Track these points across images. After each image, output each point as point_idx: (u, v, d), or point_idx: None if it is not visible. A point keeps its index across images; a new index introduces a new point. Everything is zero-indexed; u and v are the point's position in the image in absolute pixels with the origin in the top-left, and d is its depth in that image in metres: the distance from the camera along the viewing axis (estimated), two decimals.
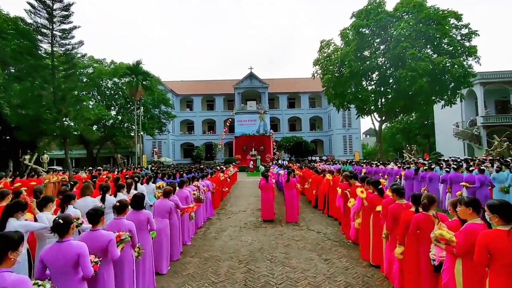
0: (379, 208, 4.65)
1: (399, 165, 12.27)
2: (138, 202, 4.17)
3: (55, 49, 13.22)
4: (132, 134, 28.65)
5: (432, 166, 9.50)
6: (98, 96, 30.41)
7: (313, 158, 39.51)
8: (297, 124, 45.51)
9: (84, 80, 27.21)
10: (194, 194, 7.10)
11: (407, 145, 31.24)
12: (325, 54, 20.53)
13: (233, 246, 6.31)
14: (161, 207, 5.01)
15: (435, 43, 15.97)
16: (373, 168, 14.13)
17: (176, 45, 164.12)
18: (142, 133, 33.71)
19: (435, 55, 15.86)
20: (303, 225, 7.97)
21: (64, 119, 12.68)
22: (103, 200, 5.24)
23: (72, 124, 13.61)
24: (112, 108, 31.67)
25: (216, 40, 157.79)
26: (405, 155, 28.59)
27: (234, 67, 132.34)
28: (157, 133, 33.47)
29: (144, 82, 22.82)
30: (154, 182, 8.11)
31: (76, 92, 14.00)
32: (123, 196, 5.87)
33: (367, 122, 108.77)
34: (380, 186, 4.83)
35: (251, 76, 41.05)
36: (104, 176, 9.14)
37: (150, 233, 4.22)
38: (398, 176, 11.75)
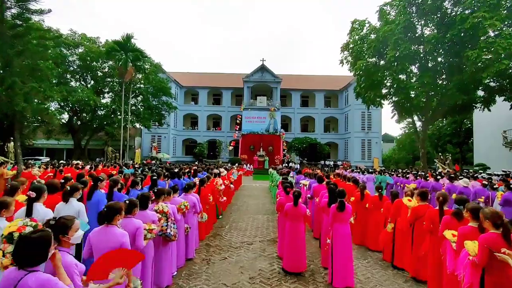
0: None
1: (485, 182, 8.30)
2: None
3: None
4: (128, 126, 25.16)
5: None
6: (92, 81, 27.04)
7: (327, 162, 35.63)
8: (310, 124, 41.57)
9: (74, 60, 24.15)
10: (147, 230, 3.38)
11: (440, 154, 27.11)
12: (357, 37, 16.65)
13: None
14: None
15: None
16: (430, 182, 10.17)
17: (183, 36, 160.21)
18: (138, 125, 30.34)
19: None
20: None
21: (8, 93, 9.13)
22: None
23: (25, 103, 10.10)
24: (107, 95, 28.30)
25: (226, 34, 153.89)
26: (437, 165, 24.52)
27: (244, 63, 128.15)
28: (156, 126, 29.94)
29: (137, 63, 19.21)
30: (90, 199, 4.45)
31: (35, 61, 10.49)
32: None
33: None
34: None
35: (262, 68, 37.24)
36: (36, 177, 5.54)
37: None
38: (481, 199, 7.83)
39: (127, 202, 3.24)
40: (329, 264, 4.62)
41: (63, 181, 5.55)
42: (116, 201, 3.06)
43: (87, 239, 2.81)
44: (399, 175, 12.77)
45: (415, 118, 17.07)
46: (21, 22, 9.83)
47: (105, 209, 2.81)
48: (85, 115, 24.79)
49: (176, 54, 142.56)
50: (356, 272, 4.93)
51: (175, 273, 4.66)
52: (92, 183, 4.68)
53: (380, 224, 6.11)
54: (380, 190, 6.31)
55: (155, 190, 4.28)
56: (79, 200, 4.53)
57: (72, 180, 5.89)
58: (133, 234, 3.15)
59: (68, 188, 3.86)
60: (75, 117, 24.34)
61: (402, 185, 11.46)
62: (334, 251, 4.47)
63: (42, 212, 3.40)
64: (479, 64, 11.29)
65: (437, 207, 4.31)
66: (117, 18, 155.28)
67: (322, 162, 35.11)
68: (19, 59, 9.47)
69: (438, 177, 10.18)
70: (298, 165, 30.81)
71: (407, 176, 12.09)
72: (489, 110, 15.24)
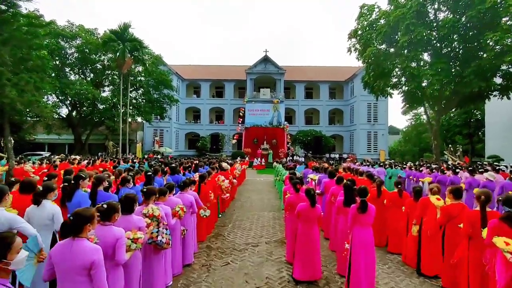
0: None
1: None
2: None
3: None
4: (129, 120, 24.62)
5: None
6: (91, 74, 26.40)
7: (332, 155, 34.91)
8: (315, 116, 40.76)
9: (72, 53, 23.52)
10: (131, 240, 2.78)
11: (450, 146, 26.23)
12: (366, 23, 15.73)
13: None
14: None
15: None
16: (447, 176, 9.45)
17: (183, 36, 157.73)
18: (140, 119, 29.81)
19: None
20: None
21: None
22: None
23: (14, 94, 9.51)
24: (107, 89, 27.70)
25: (226, 34, 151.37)
26: (447, 157, 23.71)
27: (244, 61, 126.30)
28: (157, 119, 29.34)
29: (135, 54, 18.49)
30: (70, 200, 3.85)
31: (26, 50, 9.88)
32: None
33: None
34: None
35: (265, 60, 36.31)
36: None
37: None
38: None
39: (105, 206, 2.63)
40: (346, 272, 4.01)
41: (46, 178, 4.99)
42: (85, 208, 2.44)
43: (47, 256, 2.20)
44: (412, 168, 12.06)
45: (427, 108, 16.22)
46: (6, 8, 9.14)
47: (71, 217, 2.19)
48: (84, 109, 24.23)
49: (176, 54, 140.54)
50: (377, 281, 4.31)
51: (170, 283, 4.08)
52: (73, 181, 4.07)
53: (400, 224, 5.47)
54: (399, 186, 5.65)
55: (144, 190, 3.65)
56: (62, 201, 3.98)
57: (57, 177, 5.31)
58: (112, 246, 2.55)
59: (40, 188, 3.24)
60: (75, 111, 23.79)
61: (415, 179, 10.78)
62: (352, 258, 3.85)
63: (4, 218, 2.81)
64: (497, 49, 10.41)
65: (477, 208, 3.66)
66: (117, 18, 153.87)
67: (327, 155, 34.42)
68: (5, 48, 8.82)
69: (457, 170, 9.46)
70: (303, 158, 30.18)
71: (421, 169, 11.38)
72: (509, 98, 14.36)
